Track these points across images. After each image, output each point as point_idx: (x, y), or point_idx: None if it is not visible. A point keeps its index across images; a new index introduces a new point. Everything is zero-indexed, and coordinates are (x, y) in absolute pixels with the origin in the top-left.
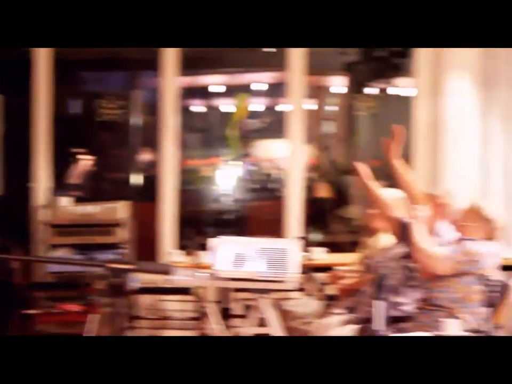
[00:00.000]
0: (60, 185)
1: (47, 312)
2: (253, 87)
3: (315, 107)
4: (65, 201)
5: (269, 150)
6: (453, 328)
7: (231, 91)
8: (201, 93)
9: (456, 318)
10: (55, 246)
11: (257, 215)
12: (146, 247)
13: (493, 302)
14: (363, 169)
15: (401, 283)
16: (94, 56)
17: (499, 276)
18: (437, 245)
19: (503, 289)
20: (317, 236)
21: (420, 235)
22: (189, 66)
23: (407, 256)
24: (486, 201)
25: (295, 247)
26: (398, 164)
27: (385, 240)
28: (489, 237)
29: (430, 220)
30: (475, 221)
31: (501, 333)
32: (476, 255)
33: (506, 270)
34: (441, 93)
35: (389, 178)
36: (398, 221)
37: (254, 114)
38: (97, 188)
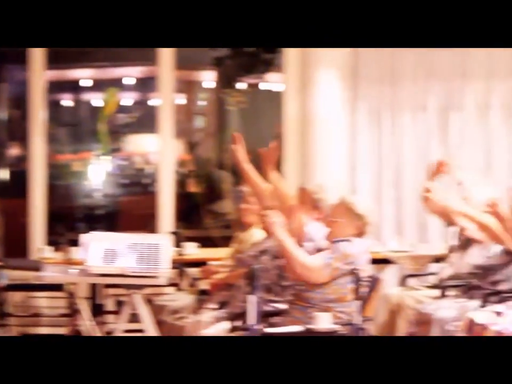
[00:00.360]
0: None
1: None
2: (123, 81)
3: (185, 102)
4: None
5: (140, 145)
6: (324, 322)
7: (101, 85)
8: (71, 87)
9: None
10: None
11: (128, 210)
12: (15, 244)
13: (363, 296)
14: (240, 152)
15: (274, 282)
16: None
17: (369, 270)
18: (310, 249)
19: (373, 283)
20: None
21: (290, 245)
22: (57, 59)
23: (280, 256)
24: (355, 196)
25: (167, 242)
26: (274, 176)
27: (257, 234)
28: (359, 232)
29: (301, 218)
30: (345, 217)
31: (369, 325)
32: (350, 256)
33: (375, 264)
34: (310, 88)
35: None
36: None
37: (123, 109)
38: None
